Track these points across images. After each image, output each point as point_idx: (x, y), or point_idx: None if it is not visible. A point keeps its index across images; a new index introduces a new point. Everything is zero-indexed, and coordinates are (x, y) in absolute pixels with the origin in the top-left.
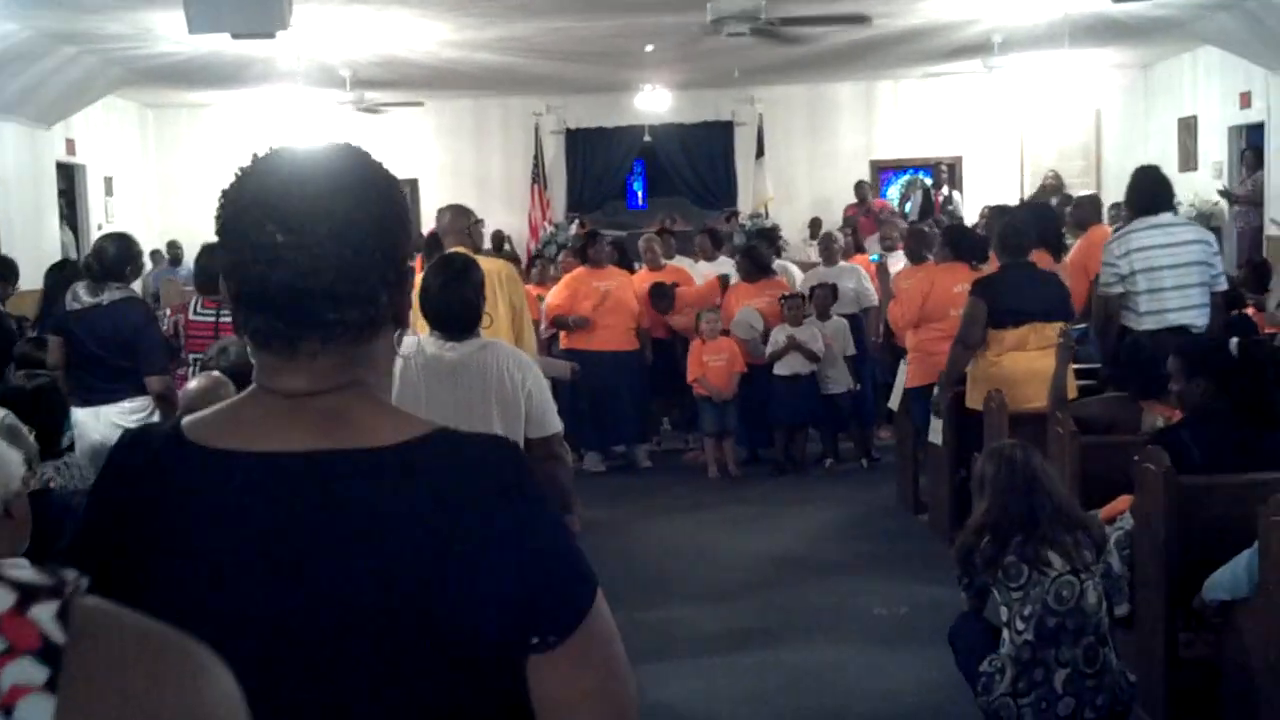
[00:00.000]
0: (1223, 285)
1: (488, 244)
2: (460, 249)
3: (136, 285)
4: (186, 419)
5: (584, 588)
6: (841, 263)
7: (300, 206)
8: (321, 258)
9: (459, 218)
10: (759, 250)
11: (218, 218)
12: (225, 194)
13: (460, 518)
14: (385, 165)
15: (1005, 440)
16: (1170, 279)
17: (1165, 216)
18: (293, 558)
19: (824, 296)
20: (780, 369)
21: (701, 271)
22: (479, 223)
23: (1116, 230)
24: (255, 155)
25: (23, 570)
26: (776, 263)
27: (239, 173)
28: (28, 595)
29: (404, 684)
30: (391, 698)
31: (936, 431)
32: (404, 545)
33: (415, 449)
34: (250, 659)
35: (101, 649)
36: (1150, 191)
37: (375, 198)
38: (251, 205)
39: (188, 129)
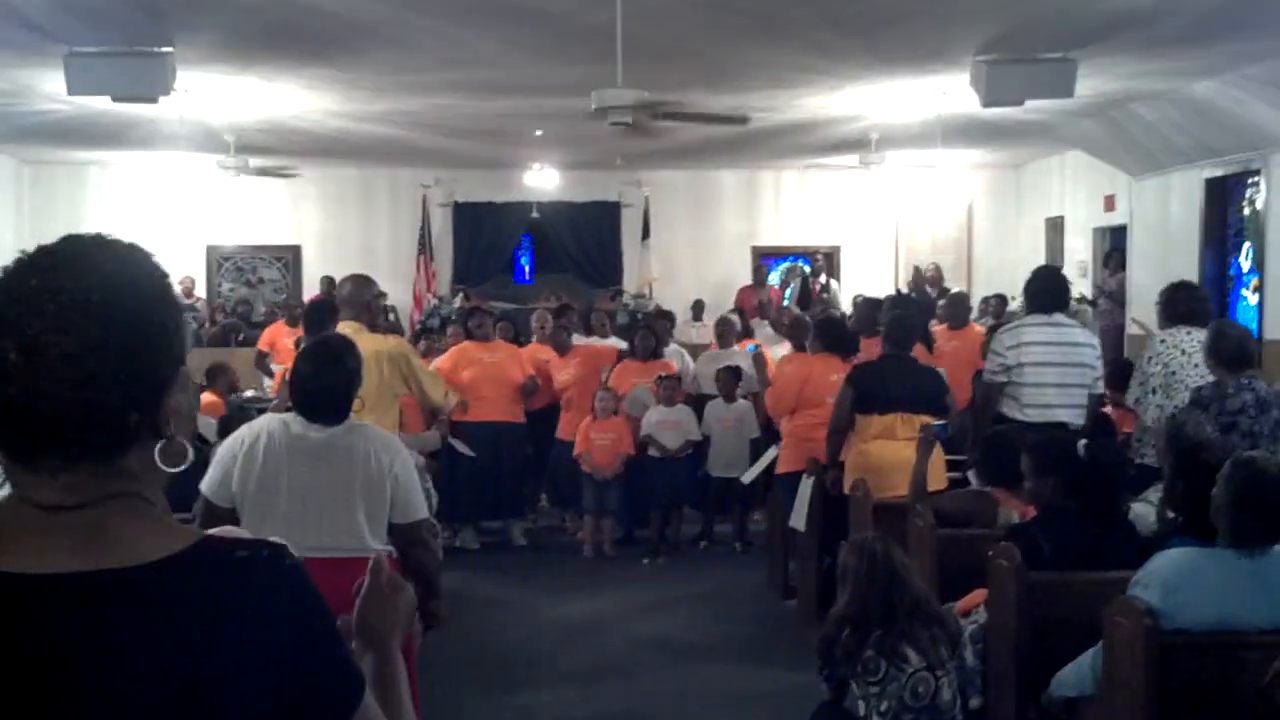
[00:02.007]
0: (1099, 389)
1: None
2: (355, 323)
3: None
4: None
5: (350, 690)
6: (734, 347)
7: (39, 325)
8: (53, 380)
9: (360, 289)
10: (655, 330)
11: None
12: None
13: (221, 634)
14: (157, 269)
15: (868, 534)
16: (1055, 376)
17: (1059, 316)
18: (49, 688)
19: (728, 379)
20: (656, 450)
21: (594, 349)
22: (380, 295)
23: (994, 323)
24: (21, 255)
25: None
26: (672, 347)
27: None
28: None
29: None
30: None
31: (799, 517)
32: (165, 667)
33: (174, 565)
34: None
35: None
36: (1052, 291)
37: (128, 317)
38: None
39: (66, 188)
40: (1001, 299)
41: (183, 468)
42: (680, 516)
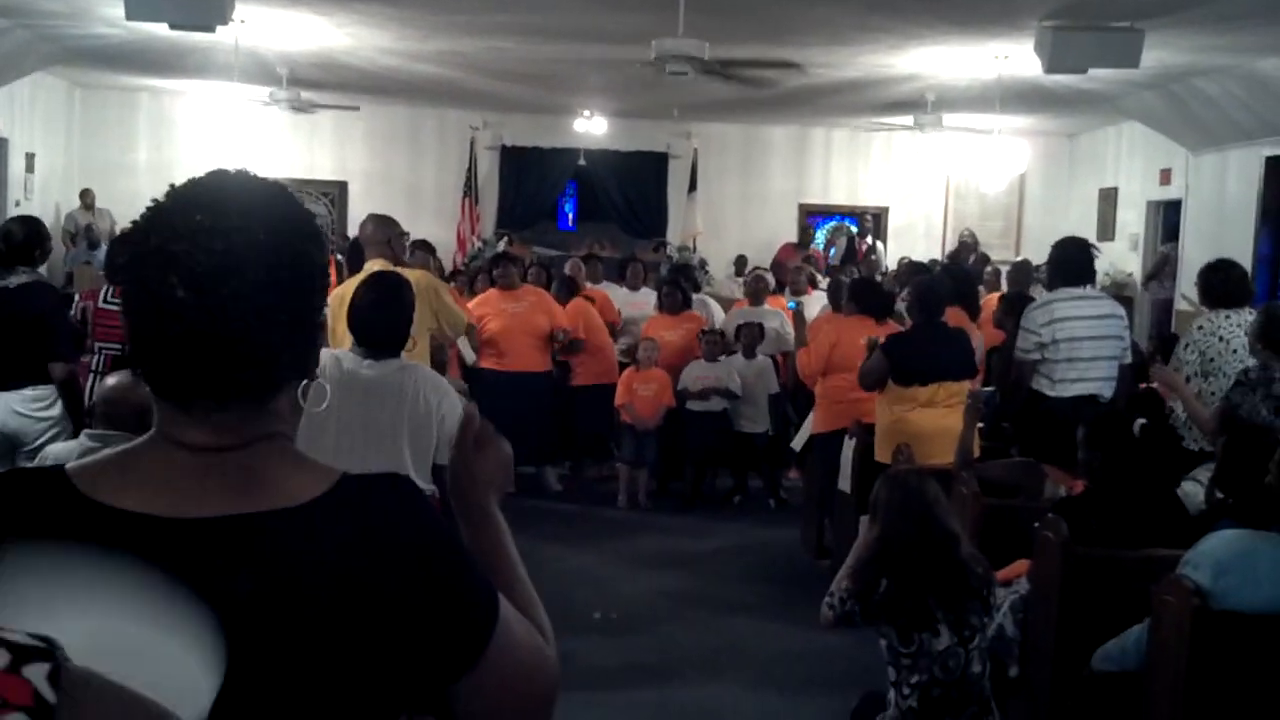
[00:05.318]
0: (1129, 359)
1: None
2: (381, 260)
3: (44, 268)
4: (73, 465)
5: (487, 611)
6: (765, 304)
7: (207, 262)
8: (222, 319)
9: (382, 228)
10: (681, 283)
11: (125, 254)
12: (132, 230)
13: (370, 568)
14: (306, 209)
15: (903, 469)
16: (1088, 349)
17: (1087, 289)
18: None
19: (751, 335)
20: (694, 405)
21: (625, 299)
22: (403, 234)
23: (1009, 292)
24: (171, 188)
25: (15, 633)
26: (696, 297)
27: (150, 207)
28: (21, 656)
29: None
30: None
31: (847, 479)
32: (321, 603)
33: (324, 503)
34: None
35: (89, 712)
36: (1077, 262)
37: (290, 257)
38: (156, 252)
39: (116, 113)
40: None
41: (324, 407)
42: (715, 471)
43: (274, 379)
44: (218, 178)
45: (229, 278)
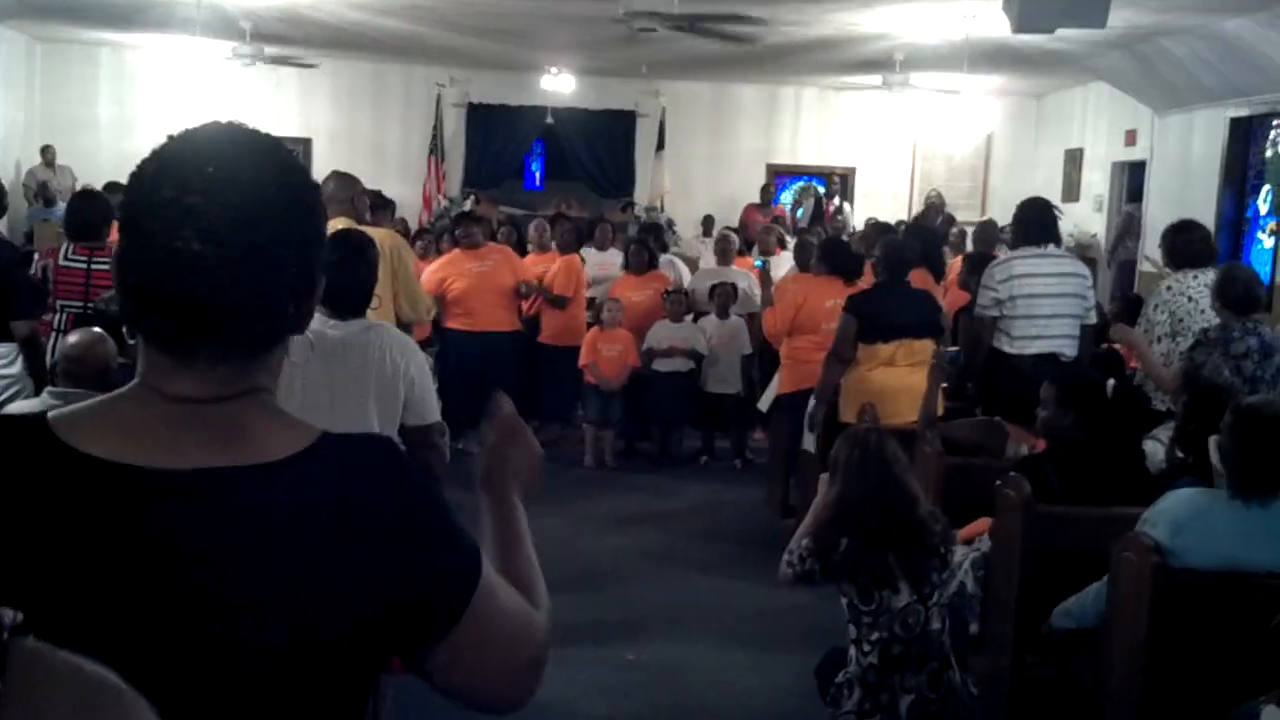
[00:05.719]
0: (1093, 319)
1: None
2: (344, 219)
3: (3, 224)
4: (54, 414)
5: (467, 574)
6: (732, 265)
7: (223, 215)
8: (239, 273)
9: (343, 186)
10: (648, 243)
11: (125, 204)
12: (136, 182)
13: (350, 525)
14: (301, 163)
15: (862, 426)
16: (1047, 307)
17: (1049, 248)
18: (182, 579)
19: (725, 295)
20: (660, 365)
21: (594, 260)
22: (364, 192)
23: (972, 253)
24: (169, 138)
25: None
26: (664, 257)
27: (152, 156)
28: None
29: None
30: None
31: (811, 439)
32: (294, 560)
33: (305, 459)
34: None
35: (36, 691)
36: (1039, 222)
37: (302, 210)
38: (169, 204)
39: (79, 69)
40: None
41: (307, 360)
42: (682, 431)
43: (281, 331)
44: (219, 129)
45: (247, 231)
